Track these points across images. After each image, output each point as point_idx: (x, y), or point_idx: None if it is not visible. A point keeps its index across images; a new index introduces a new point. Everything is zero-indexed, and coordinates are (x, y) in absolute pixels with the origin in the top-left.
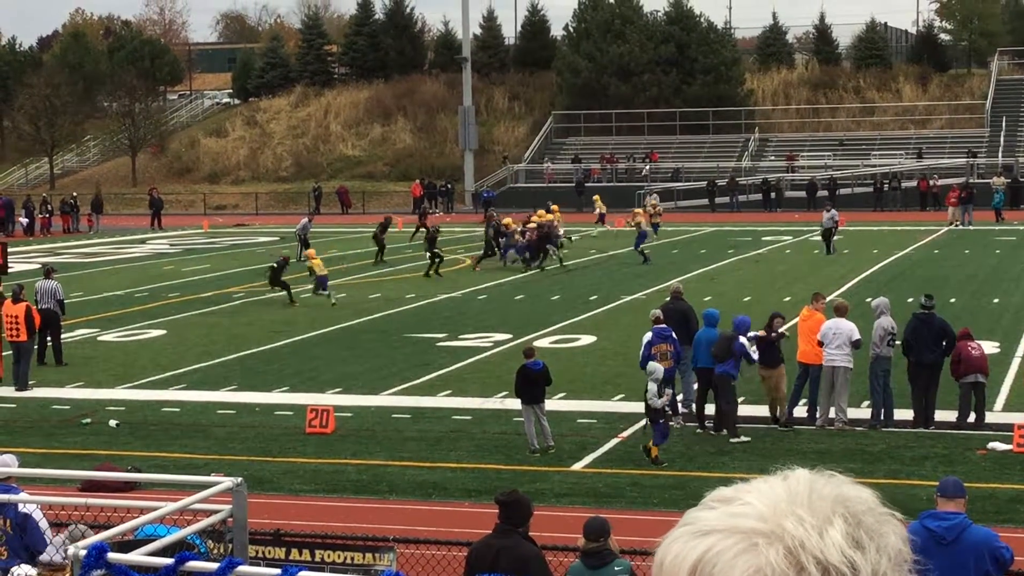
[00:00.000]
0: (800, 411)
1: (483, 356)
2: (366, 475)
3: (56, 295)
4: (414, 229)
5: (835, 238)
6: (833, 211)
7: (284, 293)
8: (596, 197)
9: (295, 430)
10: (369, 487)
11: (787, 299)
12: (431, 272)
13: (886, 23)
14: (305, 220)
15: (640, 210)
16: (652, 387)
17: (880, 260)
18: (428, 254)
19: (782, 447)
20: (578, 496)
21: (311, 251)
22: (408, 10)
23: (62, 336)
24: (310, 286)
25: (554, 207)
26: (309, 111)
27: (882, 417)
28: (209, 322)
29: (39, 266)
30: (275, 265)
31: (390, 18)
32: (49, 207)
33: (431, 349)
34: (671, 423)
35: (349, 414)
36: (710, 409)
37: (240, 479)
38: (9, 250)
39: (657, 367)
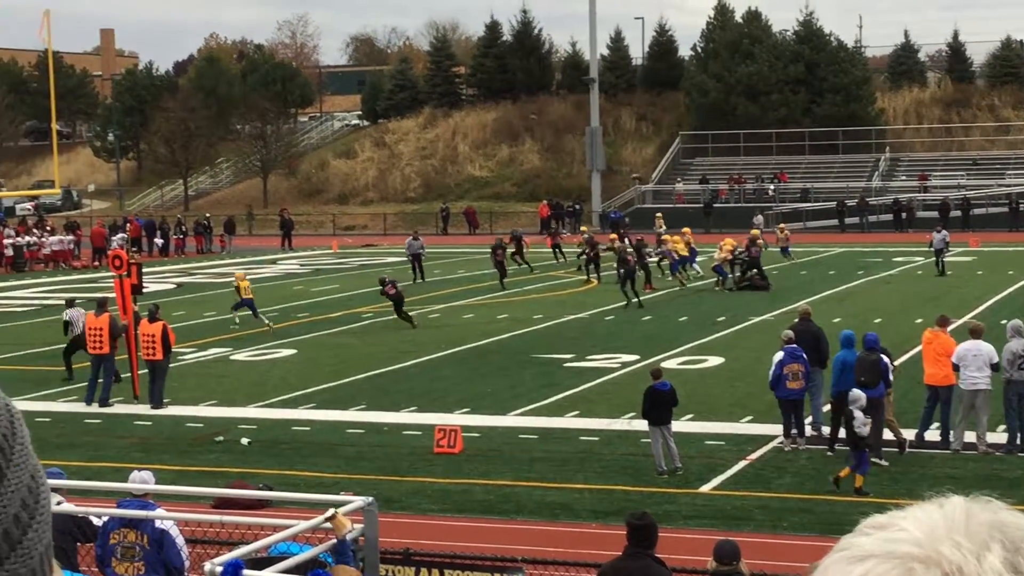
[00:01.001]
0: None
1: (610, 377)
2: (493, 495)
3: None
4: (554, 250)
5: (945, 258)
6: (944, 232)
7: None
8: (658, 215)
9: (423, 450)
10: (496, 507)
11: (919, 320)
12: (630, 295)
13: (1022, 41)
14: (410, 239)
15: (756, 231)
16: (860, 415)
17: (1016, 281)
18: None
19: (915, 472)
20: (706, 518)
21: (240, 273)
22: (536, 31)
23: (195, 355)
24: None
25: (685, 229)
26: (437, 132)
27: (1018, 442)
28: (338, 342)
29: (175, 285)
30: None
31: (518, 39)
32: (183, 228)
33: (558, 370)
34: (796, 447)
35: (477, 434)
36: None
37: (371, 498)
38: (144, 270)
39: (860, 394)
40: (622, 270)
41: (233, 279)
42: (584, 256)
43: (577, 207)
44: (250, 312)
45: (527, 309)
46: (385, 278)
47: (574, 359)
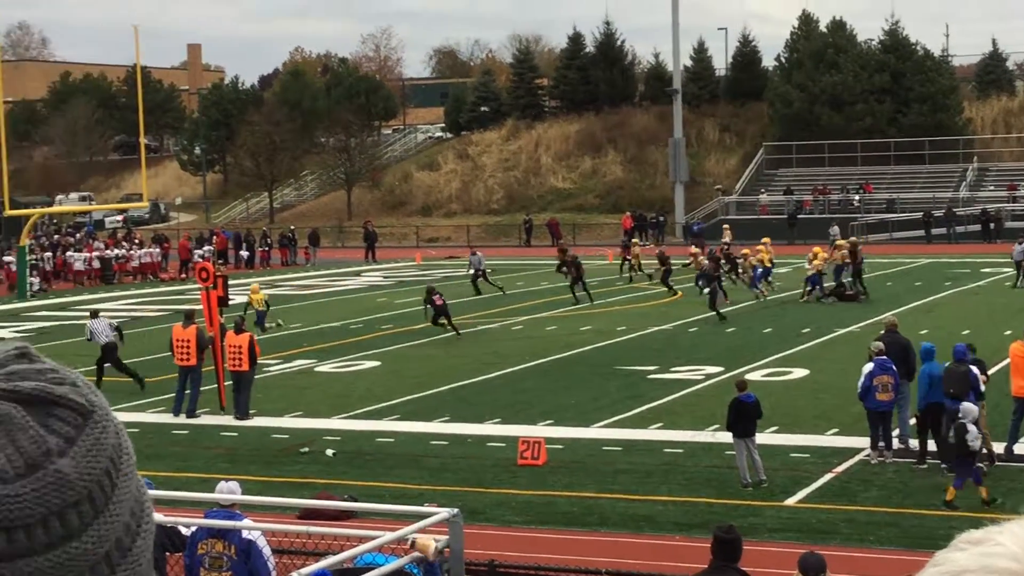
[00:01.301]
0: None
1: (694, 389)
2: (577, 507)
3: (112, 326)
4: (620, 261)
5: None
6: None
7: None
8: (726, 227)
9: (507, 461)
10: (580, 519)
11: (1007, 332)
12: (718, 312)
13: None
14: (470, 254)
15: (843, 241)
16: (973, 429)
17: None
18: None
19: (1004, 486)
20: (791, 531)
21: (255, 286)
22: (619, 43)
23: (280, 367)
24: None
25: (765, 239)
26: (520, 144)
27: None
28: (422, 354)
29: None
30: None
31: (600, 51)
32: (268, 240)
33: (642, 381)
34: (884, 460)
35: (560, 446)
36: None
37: (456, 510)
38: (230, 282)
39: (972, 408)
40: (704, 286)
41: (249, 292)
42: (634, 270)
43: (660, 219)
44: (260, 324)
45: (610, 321)
46: (433, 287)
47: (658, 371)
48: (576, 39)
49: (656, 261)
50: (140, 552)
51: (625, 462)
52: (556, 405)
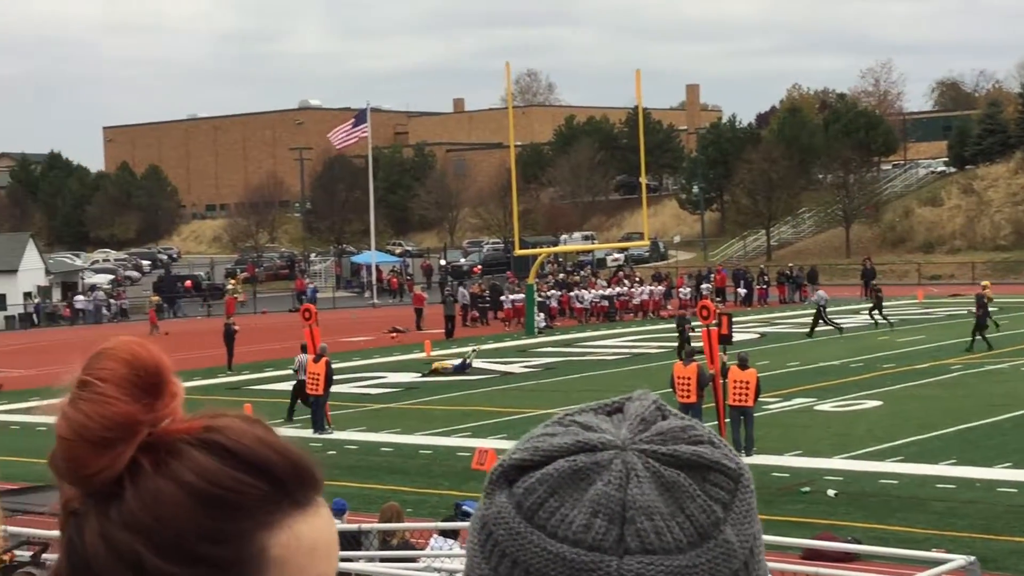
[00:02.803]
0: None
1: None
2: None
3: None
4: None
5: None
6: None
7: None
8: None
9: (1020, 508)
10: None
11: None
12: None
13: None
14: (819, 291)
15: None
16: None
17: None
18: None
19: None
20: None
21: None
22: None
23: (780, 405)
24: None
25: None
26: None
27: None
28: (925, 394)
29: (758, 336)
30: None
31: None
32: (766, 278)
33: None
34: None
35: None
36: None
37: (973, 558)
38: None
39: None
40: None
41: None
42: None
43: None
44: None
45: None
46: (686, 316)
47: None
48: None
49: None
50: None
51: None
52: None
